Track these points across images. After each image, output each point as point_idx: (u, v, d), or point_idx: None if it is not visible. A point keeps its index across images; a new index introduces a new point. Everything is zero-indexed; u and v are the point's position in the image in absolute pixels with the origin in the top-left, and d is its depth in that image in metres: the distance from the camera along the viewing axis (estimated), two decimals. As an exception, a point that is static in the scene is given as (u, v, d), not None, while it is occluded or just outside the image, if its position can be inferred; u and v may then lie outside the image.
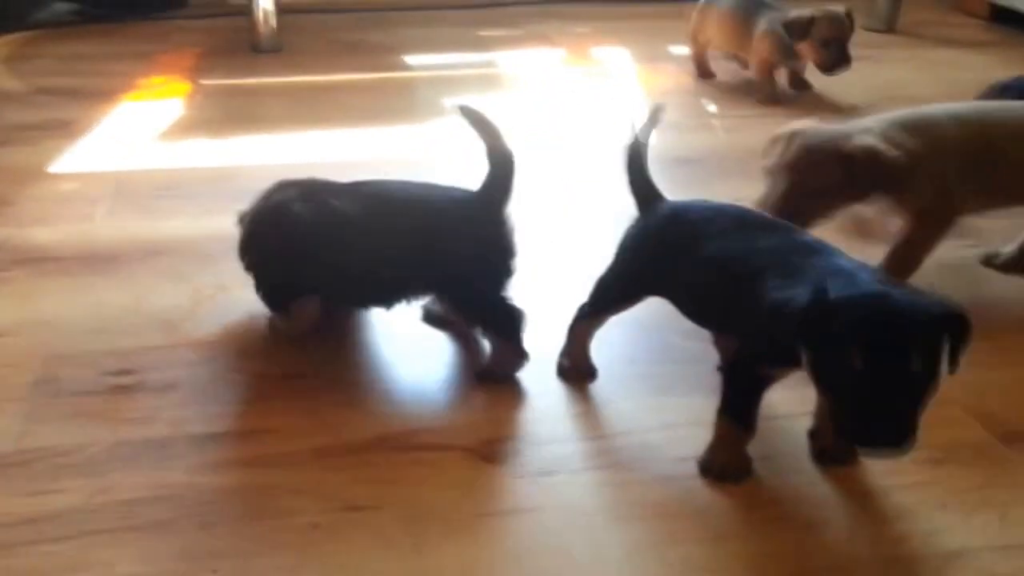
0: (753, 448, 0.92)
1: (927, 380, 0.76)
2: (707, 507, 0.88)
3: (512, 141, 1.03)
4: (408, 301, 1.06)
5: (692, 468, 0.92)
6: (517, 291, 1.06)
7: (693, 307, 0.98)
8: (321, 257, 1.04)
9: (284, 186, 1.11)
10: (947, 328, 0.78)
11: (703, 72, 2.13)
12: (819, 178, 1.16)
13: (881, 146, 1.14)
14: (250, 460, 0.92)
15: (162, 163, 1.62)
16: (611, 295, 1.04)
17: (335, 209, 1.03)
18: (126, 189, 1.50)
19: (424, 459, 0.93)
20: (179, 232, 1.37)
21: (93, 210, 1.43)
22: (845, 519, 0.88)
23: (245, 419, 0.98)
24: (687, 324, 1.13)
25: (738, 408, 0.90)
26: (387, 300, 1.07)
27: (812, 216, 1.16)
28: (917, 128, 1.18)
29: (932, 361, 0.76)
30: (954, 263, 1.33)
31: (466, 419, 0.99)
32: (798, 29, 1.89)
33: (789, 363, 0.83)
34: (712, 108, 1.99)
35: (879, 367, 0.75)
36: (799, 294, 0.80)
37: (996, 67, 2.18)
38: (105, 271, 1.25)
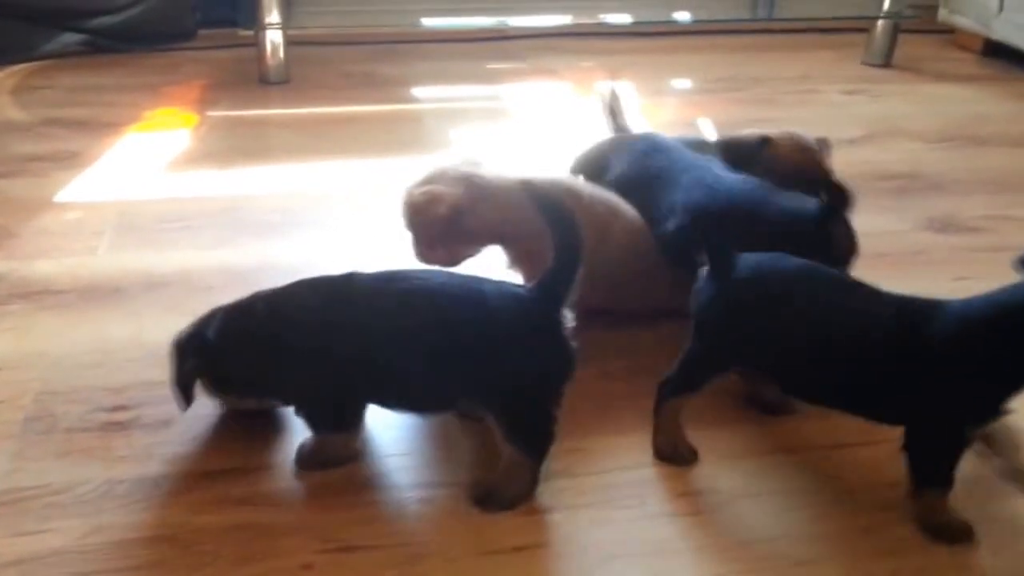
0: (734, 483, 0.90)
1: None
2: (704, 545, 0.87)
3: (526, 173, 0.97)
4: (452, 408, 0.96)
5: (688, 505, 0.91)
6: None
7: (806, 378, 0.92)
8: (355, 360, 0.90)
9: (291, 294, 0.95)
10: None
11: None
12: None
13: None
14: (245, 499, 0.90)
15: (168, 194, 1.61)
16: (698, 370, 0.97)
17: (384, 307, 0.90)
18: (131, 221, 1.49)
19: (421, 497, 0.92)
20: (182, 264, 1.36)
21: (97, 242, 1.42)
22: (836, 555, 0.86)
23: (241, 456, 0.96)
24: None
25: (944, 474, 0.87)
26: (430, 408, 0.97)
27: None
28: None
29: None
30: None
31: (463, 456, 0.97)
32: (744, 153, 1.22)
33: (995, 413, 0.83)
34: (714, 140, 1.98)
35: None
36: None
37: (989, 101, 2.21)
38: (106, 304, 1.24)
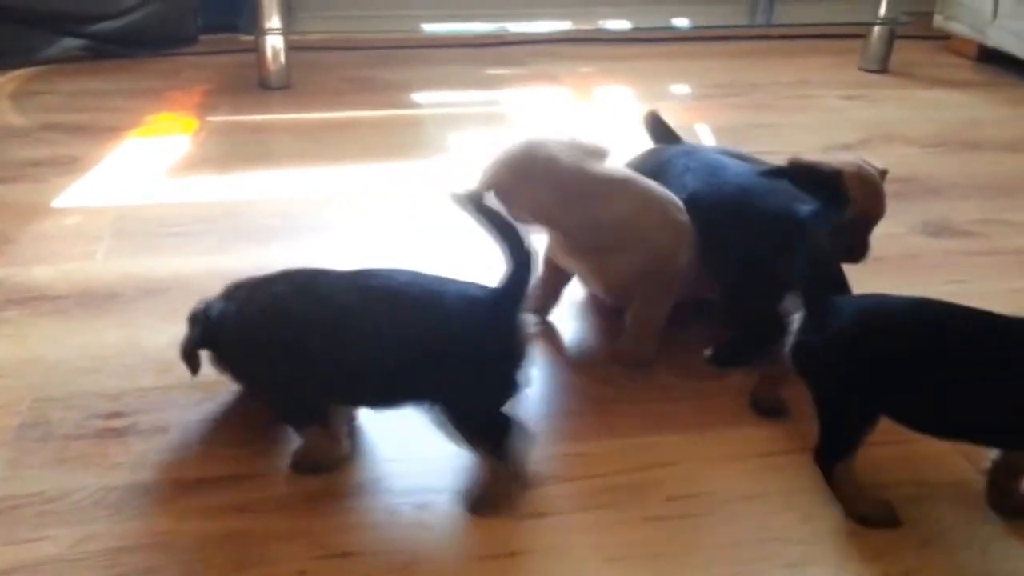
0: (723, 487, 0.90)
1: None
2: (698, 547, 0.88)
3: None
4: (404, 405, 0.95)
5: (682, 507, 0.92)
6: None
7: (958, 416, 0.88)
8: (320, 355, 0.92)
9: (271, 280, 0.98)
10: None
11: None
12: None
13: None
14: (239, 505, 0.90)
15: (167, 200, 1.61)
16: (849, 429, 0.91)
17: (337, 304, 0.92)
18: (129, 226, 1.49)
19: (414, 503, 0.92)
20: (181, 270, 1.36)
21: (95, 248, 1.42)
22: (828, 558, 0.87)
23: (235, 463, 0.96)
24: (679, 361, 1.14)
25: None
26: (382, 402, 0.97)
27: None
28: None
29: None
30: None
31: (455, 461, 0.97)
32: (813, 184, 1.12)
33: None
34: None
35: None
36: None
37: (983, 106, 2.22)
38: (103, 310, 1.24)
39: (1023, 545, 0.89)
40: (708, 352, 1.15)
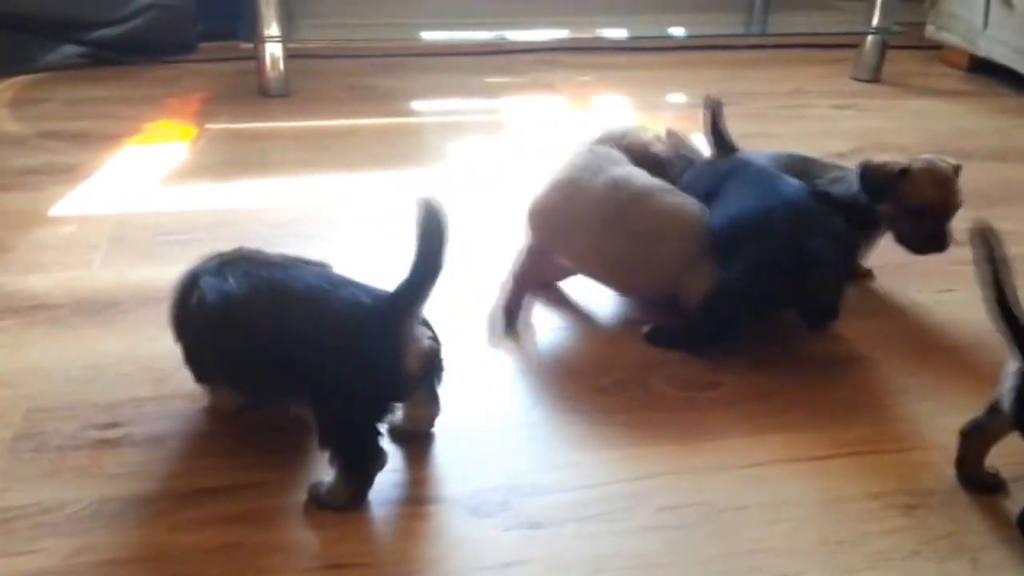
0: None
1: None
2: (689, 558, 0.88)
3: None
4: (279, 401, 0.95)
5: (674, 518, 0.92)
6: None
7: None
8: (200, 337, 0.98)
9: (216, 256, 1.02)
10: None
11: None
12: None
13: None
14: (236, 516, 0.90)
15: (165, 208, 1.62)
16: None
17: (223, 291, 0.94)
18: (127, 234, 1.50)
19: (411, 513, 0.92)
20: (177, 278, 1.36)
21: (92, 256, 1.42)
22: (818, 568, 0.87)
23: (233, 473, 0.96)
24: (671, 371, 1.16)
25: None
26: (261, 396, 0.98)
27: None
28: None
29: None
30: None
31: (453, 471, 0.98)
32: (881, 183, 1.26)
33: None
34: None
35: None
36: None
37: (974, 116, 2.24)
38: (99, 319, 1.24)
39: (1014, 555, 0.89)
40: (646, 328, 1.23)
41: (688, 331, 1.21)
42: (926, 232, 1.23)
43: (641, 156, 1.32)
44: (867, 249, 1.36)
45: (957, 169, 1.26)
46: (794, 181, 1.23)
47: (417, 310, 0.90)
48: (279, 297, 0.92)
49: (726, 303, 1.16)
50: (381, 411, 0.91)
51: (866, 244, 1.34)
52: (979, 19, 2.52)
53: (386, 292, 0.91)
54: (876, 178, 1.24)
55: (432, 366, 0.95)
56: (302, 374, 0.89)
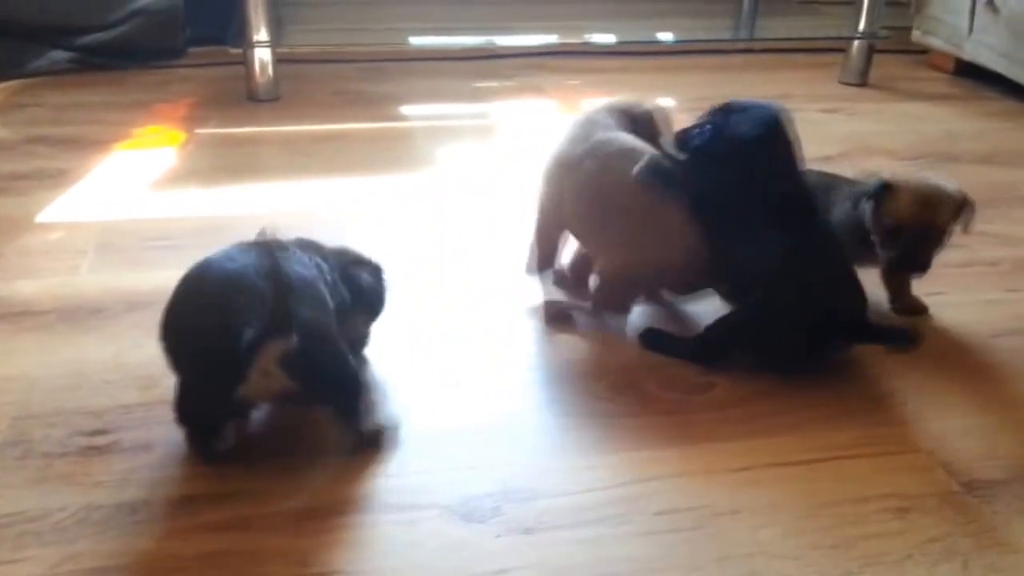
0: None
1: None
2: (682, 563, 0.87)
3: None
4: None
5: (669, 523, 0.92)
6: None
7: None
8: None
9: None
10: None
11: None
12: None
13: None
14: (224, 524, 0.89)
15: (153, 214, 1.61)
16: None
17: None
18: (114, 240, 1.49)
19: (403, 519, 0.91)
20: (166, 284, 1.32)
21: (79, 262, 1.41)
22: (812, 572, 0.87)
23: (221, 481, 0.95)
24: (665, 374, 1.16)
25: None
26: None
27: None
28: None
29: None
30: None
31: (444, 476, 0.98)
32: (866, 196, 1.24)
33: None
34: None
35: None
36: None
37: (961, 119, 2.26)
38: (86, 325, 1.24)
39: (1005, 558, 0.89)
40: (643, 331, 1.23)
41: (686, 342, 1.20)
42: (898, 251, 1.22)
43: (646, 126, 1.31)
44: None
45: (963, 201, 1.22)
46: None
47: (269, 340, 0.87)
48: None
49: (736, 335, 1.17)
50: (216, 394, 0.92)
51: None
52: (964, 23, 2.54)
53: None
54: (858, 190, 1.25)
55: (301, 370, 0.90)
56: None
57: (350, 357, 0.98)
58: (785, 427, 1.07)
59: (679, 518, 0.93)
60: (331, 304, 0.98)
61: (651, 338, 1.22)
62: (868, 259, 1.26)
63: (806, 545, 0.90)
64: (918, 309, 1.33)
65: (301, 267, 0.97)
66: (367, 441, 1.01)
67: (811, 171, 1.30)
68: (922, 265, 1.22)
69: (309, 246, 1.06)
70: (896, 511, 0.95)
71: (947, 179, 1.25)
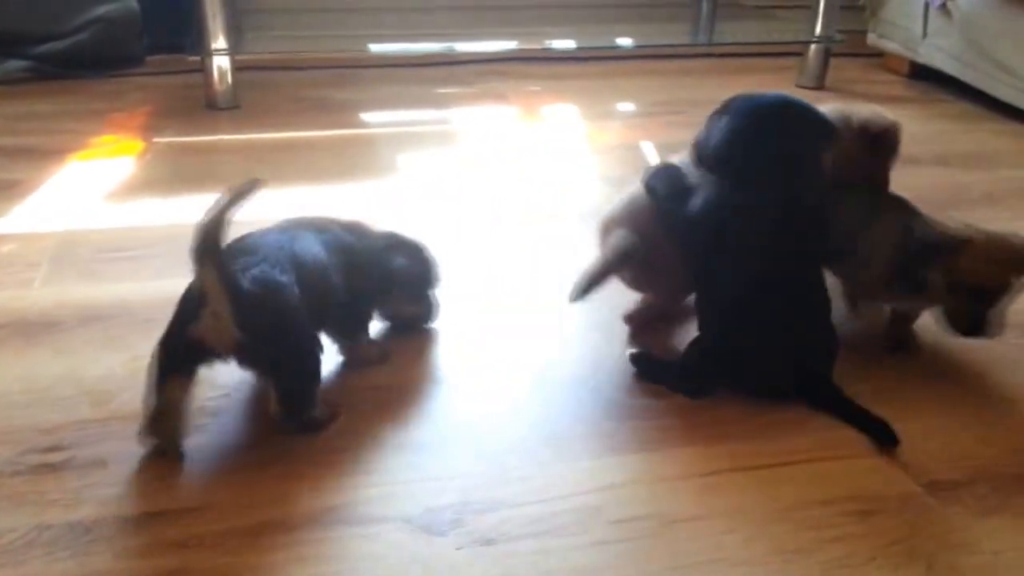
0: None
1: None
2: (642, 571, 0.87)
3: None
4: None
5: (626, 531, 0.92)
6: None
7: None
8: None
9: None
10: None
11: None
12: None
13: None
14: (180, 542, 0.88)
15: (109, 224, 1.59)
16: None
17: None
18: (69, 252, 1.47)
19: (364, 533, 0.91)
20: (121, 296, 1.34)
21: (33, 275, 1.39)
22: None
23: (180, 496, 0.94)
24: (624, 379, 1.17)
25: None
26: None
27: None
28: None
29: None
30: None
31: (404, 487, 0.97)
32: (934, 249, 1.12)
33: None
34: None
35: None
36: None
37: (917, 121, 2.29)
38: (39, 340, 1.21)
39: (969, 559, 0.90)
40: (632, 351, 1.20)
41: (671, 369, 1.17)
42: (968, 311, 1.10)
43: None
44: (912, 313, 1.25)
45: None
46: None
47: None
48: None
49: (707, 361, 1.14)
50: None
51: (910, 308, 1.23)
52: (918, 27, 2.59)
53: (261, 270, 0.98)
54: (929, 243, 1.11)
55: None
56: None
57: (311, 337, 1.02)
58: (744, 433, 1.07)
59: (638, 526, 0.93)
60: (332, 282, 1.07)
61: (641, 363, 1.18)
62: (904, 295, 1.18)
63: (767, 551, 0.90)
64: (910, 345, 1.26)
65: (307, 243, 1.06)
66: (305, 427, 1.03)
67: (858, 187, 1.24)
68: (993, 332, 1.11)
69: (354, 228, 1.18)
70: (858, 514, 0.95)
71: (1015, 233, 1.14)
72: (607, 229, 1.25)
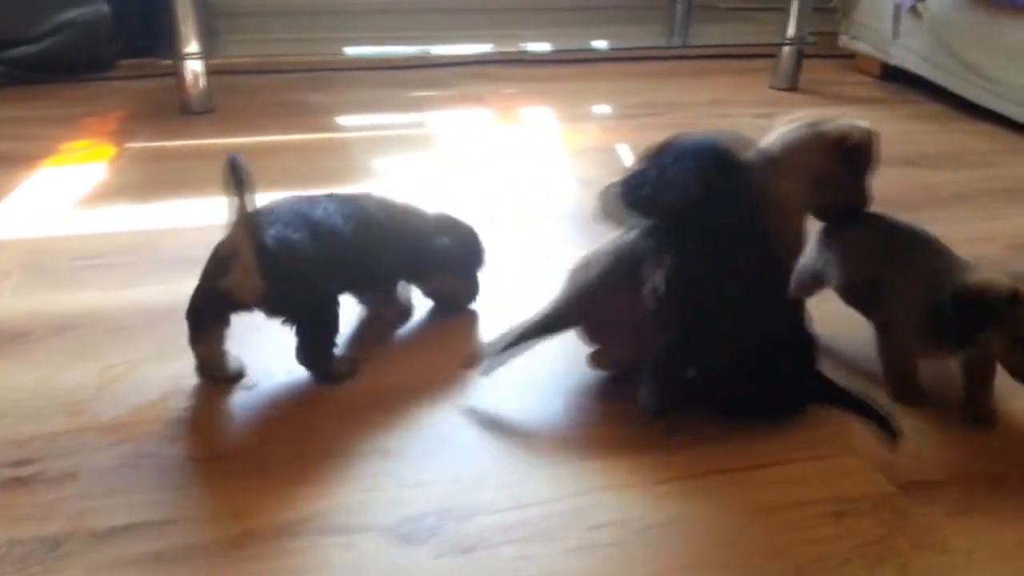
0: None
1: None
2: (619, 575, 0.87)
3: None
4: None
5: (603, 536, 0.92)
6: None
7: None
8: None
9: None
10: None
11: None
12: None
13: None
14: (154, 555, 0.87)
15: (81, 231, 1.57)
16: None
17: None
18: (40, 259, 1.45)
19: (342, 543, 0.90)
20: (93, 304, 1.32)
21: (2, 283, 1.37)
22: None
23: (154, 509, 0.93)
24: (604, 385, 1.16)
25: None
26: None
27: None
28: None
29: None
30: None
31: (382, 495, 0.97)
32: (984, 310, 1.03)
33: None
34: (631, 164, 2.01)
35: None
36: None
37: (888, 122, 2.31)
38: (9, 350, 1.20)
39: (944, 560, 0.90)
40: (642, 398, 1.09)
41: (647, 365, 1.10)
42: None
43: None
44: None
45: None
46: None
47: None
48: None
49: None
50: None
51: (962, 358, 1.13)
52: (889, 29, 2.62)
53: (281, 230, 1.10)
54: (976, 305, 1.04)
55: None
56: None
57: (322, 290, 1.14)
58: (718, 435, 1.07)
59: (616, 531, 0.93)
60: (344, 245, 1.16)
61: (648, 400, 1.09)
62: (940, 348, 1.12)
63: (743, 554, 0.90)
64: (992, 418, 1.13)
65: (325, 211, 1.17)
66: (323, 377, 1.15)
67: (878, 218, 1.21)
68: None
69: (409, 211, 1.28)
70: (833, 515, 0.95)
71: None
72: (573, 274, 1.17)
